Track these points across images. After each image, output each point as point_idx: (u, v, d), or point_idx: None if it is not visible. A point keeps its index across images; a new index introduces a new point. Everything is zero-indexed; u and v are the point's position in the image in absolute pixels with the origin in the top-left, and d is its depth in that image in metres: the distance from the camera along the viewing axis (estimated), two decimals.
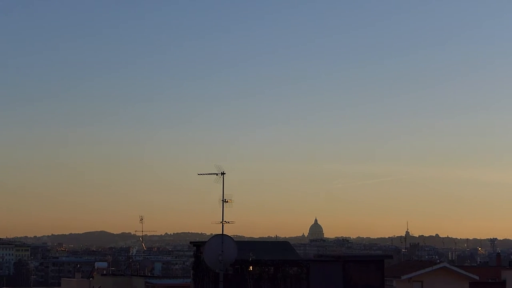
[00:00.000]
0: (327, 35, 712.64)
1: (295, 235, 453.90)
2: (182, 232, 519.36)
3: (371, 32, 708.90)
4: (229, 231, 35.07)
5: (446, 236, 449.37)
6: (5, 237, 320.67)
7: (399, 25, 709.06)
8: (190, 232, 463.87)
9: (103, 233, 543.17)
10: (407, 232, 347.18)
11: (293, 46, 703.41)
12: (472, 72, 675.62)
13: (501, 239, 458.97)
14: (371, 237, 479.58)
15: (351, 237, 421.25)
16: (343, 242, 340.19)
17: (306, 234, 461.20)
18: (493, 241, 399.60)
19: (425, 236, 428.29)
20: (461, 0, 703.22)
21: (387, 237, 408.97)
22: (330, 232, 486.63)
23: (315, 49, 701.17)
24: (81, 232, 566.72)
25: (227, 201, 34.67)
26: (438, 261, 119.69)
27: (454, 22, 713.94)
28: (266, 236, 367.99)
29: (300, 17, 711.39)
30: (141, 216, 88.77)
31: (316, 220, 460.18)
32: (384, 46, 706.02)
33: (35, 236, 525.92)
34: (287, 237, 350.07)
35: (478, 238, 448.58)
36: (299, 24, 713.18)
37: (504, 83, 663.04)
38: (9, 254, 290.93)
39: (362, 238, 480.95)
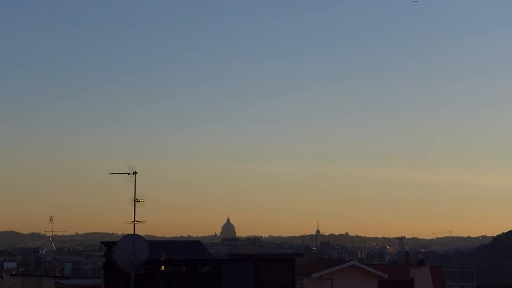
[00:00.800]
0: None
1: (208, 235, 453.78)
2: (92, 232, 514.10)
3: None
4: (140, 231, 34.93)
5: (356, 234, 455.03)
6: None
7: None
8: (101, 232, 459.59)
9: (12, 233, 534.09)
10: (318, 231, 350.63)
11: (199, 46, 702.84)
12: (382, 71, 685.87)
13: (409, 237, 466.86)
14: (283, 236, 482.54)
15: (263, 236, 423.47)
16: (255, 241, 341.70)
17: (218, 233, 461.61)
18: (401, 239, 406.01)
19: (335, 235, 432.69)
20: None
21: (298, 235, 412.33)
22: (242, 231, 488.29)
23: (219, 49, 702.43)
24: None
25: (138, 201, 34.55)
26: (348, 259, 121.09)
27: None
28: (179, 235, 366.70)
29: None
30: (51, 216, 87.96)
31: (228, 219, 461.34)
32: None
33: None
34: (199, 236, 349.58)
35: (387, 236, 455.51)
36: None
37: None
38: None
39: (274, 237, 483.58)
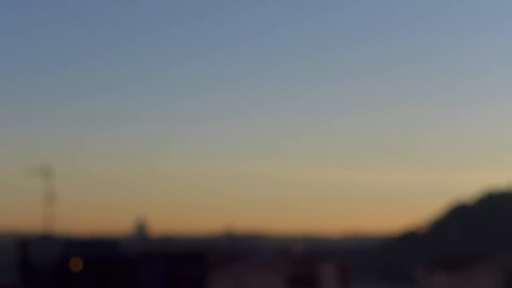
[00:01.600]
0: None
1: (122, 232, 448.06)
2: (5, 230, 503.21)
3: None
4: (55, 228, 35.36)
5: (266, 231, 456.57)
6: None
7: None
8: (15, 230, 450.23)
9: None
10: (229, 227, 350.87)
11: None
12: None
13: (316, 234, 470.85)
14: (195, 233, 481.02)
15: (176, 233, 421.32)
16: (168, 238, 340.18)
17: (132, 231, 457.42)
18: (307, 237, 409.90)
19: (246, 231, 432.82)
20: None
21: (209, 232, 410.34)
22: (156, 228, 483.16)
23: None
24: None
25: (52, 199, 35.04)
26: (258, 255, 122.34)
27: None
28: (93, 234, 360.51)
29: None
30: None
31: (142, 217, 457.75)
32: None
33: None
34: (114, 234, 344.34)
35: (295, 232, 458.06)
36: None
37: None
38: None
39: (186, 234, 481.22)
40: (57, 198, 35.45)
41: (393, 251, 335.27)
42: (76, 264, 41.86)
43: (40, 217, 35.11)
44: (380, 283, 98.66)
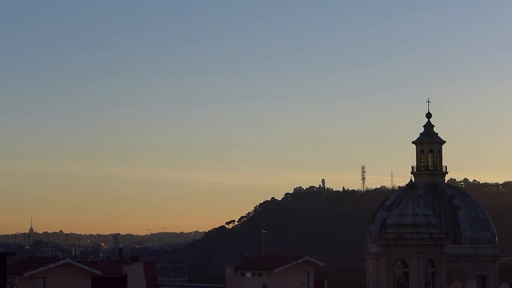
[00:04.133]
0: None
1: None
2: None
3: None
4: None
5: (70, 232, 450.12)
6: None
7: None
8: None
9: None
10: (31, 229, 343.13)
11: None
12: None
13: (124, 234, 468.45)
14: None
15: None
16: None
17: None
18: (116, 236, 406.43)
19: (49, 233, 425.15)
20: None
21: (10, 234, 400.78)
22: None
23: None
24: None
25: None
26: (61, 257, 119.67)
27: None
28: None
29: None
30: None
31: None
32: None
33: None
34: None
35: (102, 233, 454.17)
36: None
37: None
38: None
39: None
40: None
41: (203, 249, 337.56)
42: None
43: None
44: (189, 282, 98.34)
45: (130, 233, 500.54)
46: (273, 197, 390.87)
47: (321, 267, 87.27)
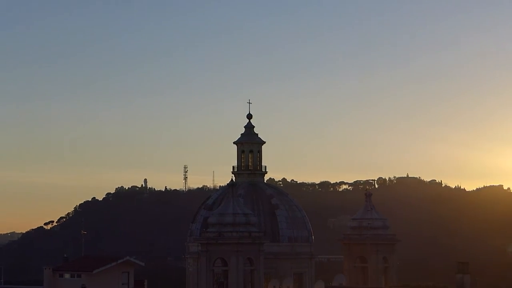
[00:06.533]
0: None
1: None
2: None
3: None
4: None
5: None
6: None
7: None
8: None
9: None
10: None
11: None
12: None
13: None
14: None
15: None
16: None
17: None
18: None
19: None
20: None
21: None
22: None
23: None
24: None
25: None
26: None
27: None
28: None
29: None
30: None
31: None
32: None
33: None
34: None
35: None
36: None
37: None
38: None
39: None
40: None
41: (20, 250, 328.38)
42: None
43: None
44: (6, 284, 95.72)
45: None
46: (94, 197, 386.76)
47: (142, 267, 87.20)
